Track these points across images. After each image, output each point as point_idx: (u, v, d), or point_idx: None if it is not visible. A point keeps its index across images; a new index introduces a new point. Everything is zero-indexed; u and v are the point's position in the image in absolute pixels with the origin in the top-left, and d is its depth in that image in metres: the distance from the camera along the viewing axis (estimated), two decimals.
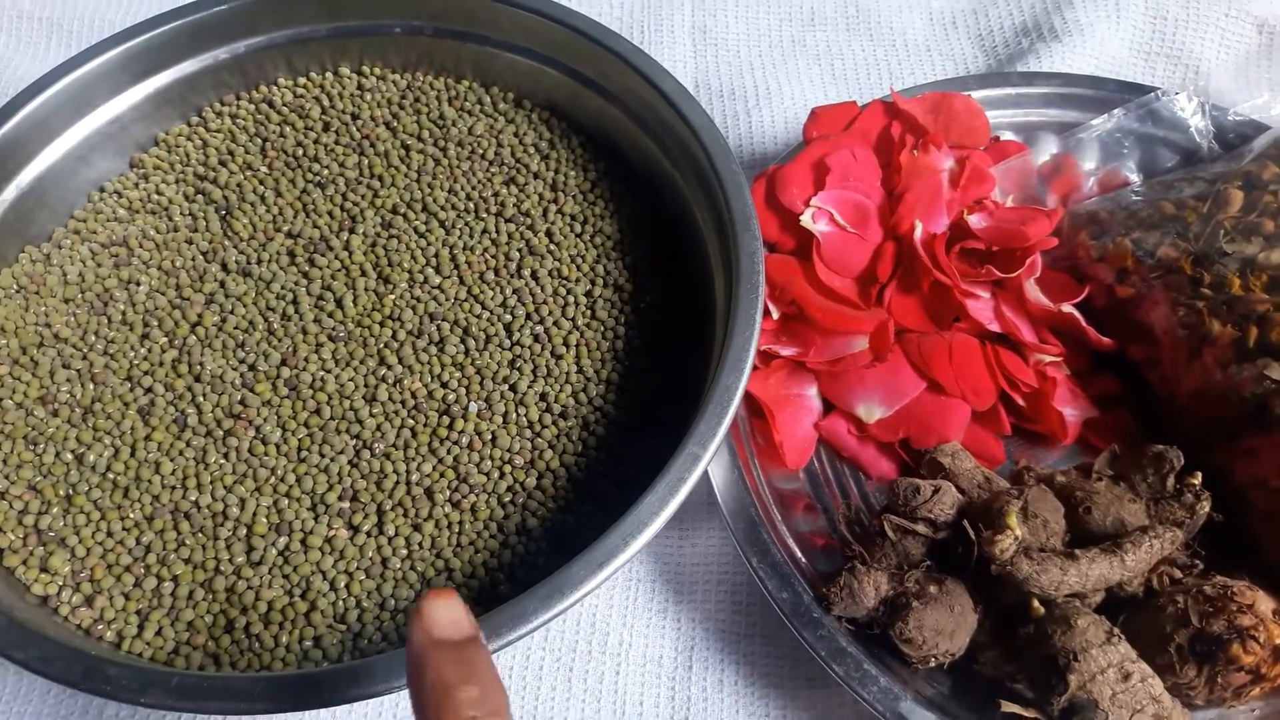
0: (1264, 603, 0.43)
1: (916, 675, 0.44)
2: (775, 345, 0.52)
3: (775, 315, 0.52)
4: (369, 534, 0.43)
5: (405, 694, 0.32)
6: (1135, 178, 0.58)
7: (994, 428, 0.51)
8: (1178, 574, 0.45)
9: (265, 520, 0.44)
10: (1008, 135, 0.61)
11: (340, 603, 0.42)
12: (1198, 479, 0.46)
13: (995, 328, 0.52)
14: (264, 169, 0.55)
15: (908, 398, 0.51)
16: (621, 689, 0.46)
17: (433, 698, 0.27)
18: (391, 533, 0.43)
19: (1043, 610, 0.43)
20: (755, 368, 0.51)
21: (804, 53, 0.68)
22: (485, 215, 0.52)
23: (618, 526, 0.38)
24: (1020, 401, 0.51)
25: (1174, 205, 0.53)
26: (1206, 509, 0.46)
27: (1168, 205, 0.53)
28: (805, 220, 0.53)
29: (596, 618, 0.48)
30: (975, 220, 0.54)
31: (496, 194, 0.53)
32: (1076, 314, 0.52)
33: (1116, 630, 0.42)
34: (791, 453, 0.50)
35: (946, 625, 0.43)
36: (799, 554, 0.46)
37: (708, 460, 0.40)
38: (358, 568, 0.43)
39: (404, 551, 0.43)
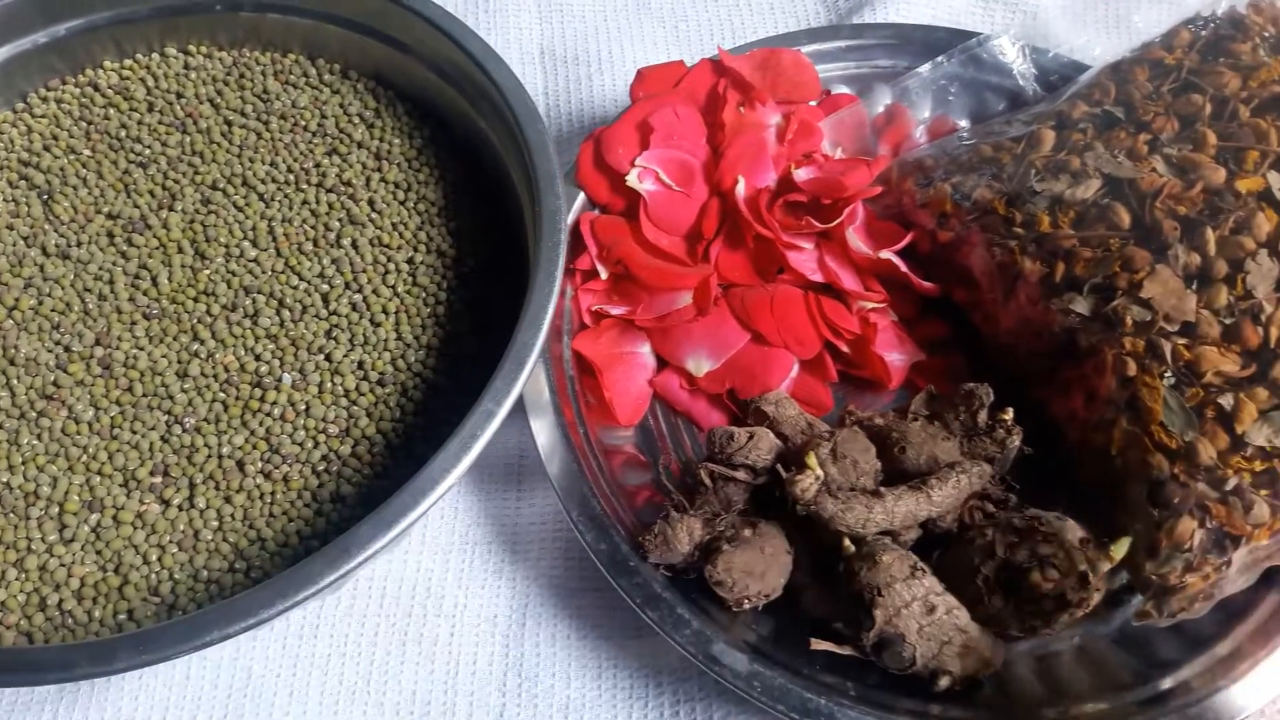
0: (1072, 532, 0.44)
1: (737, 620, 0.45)
2: (605, 305, 0.52)
3: (604, 275, 0.53)
4: (180, 507, 0.43)
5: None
6: (964, 124, 0.59)
7: (821, 375, 0.52)
8: (990, 508, 0.46)
9: (77, 498, 0.43)
10: (841, 88, 0.61)
11: (153, 575, 0.42)
12: (1009, 414, 0.47)
13: (819, 278, 0.53)
14: (87, 152, 0.54)
15: (733, 350, 0.51)
16: (455, 649, 0.47)
17: None
18: (203, 505, 0.43)
19: (854, 549, 0.44)
20: (585, 327, 0.51)
21: (649, 16, 0.68)
22: (306, 186, 0.52)
23: (409, 485, 0.38)
24: (845, 349, 0.52)
25: (992, 148, 0.54)
26: (1017, 443, 0.47)
27: (986, 148, 0.54)
28: (631, 180, 0.53)
29: (432, 582, 0.48)
30: (801, 174, 0.55)
31: (318, 165, 0.52)
32: (895, 260, 0.53)
33: (921, 564, 0.43)
34: (623, 409, 0.51)
35: (757, 566, 0.44)
36: (622, 507, 0.47)
37: (503, 416, 0.40)
38: (170, 541, 0.43)
39: (215, 523, 0.43)
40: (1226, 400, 0.43)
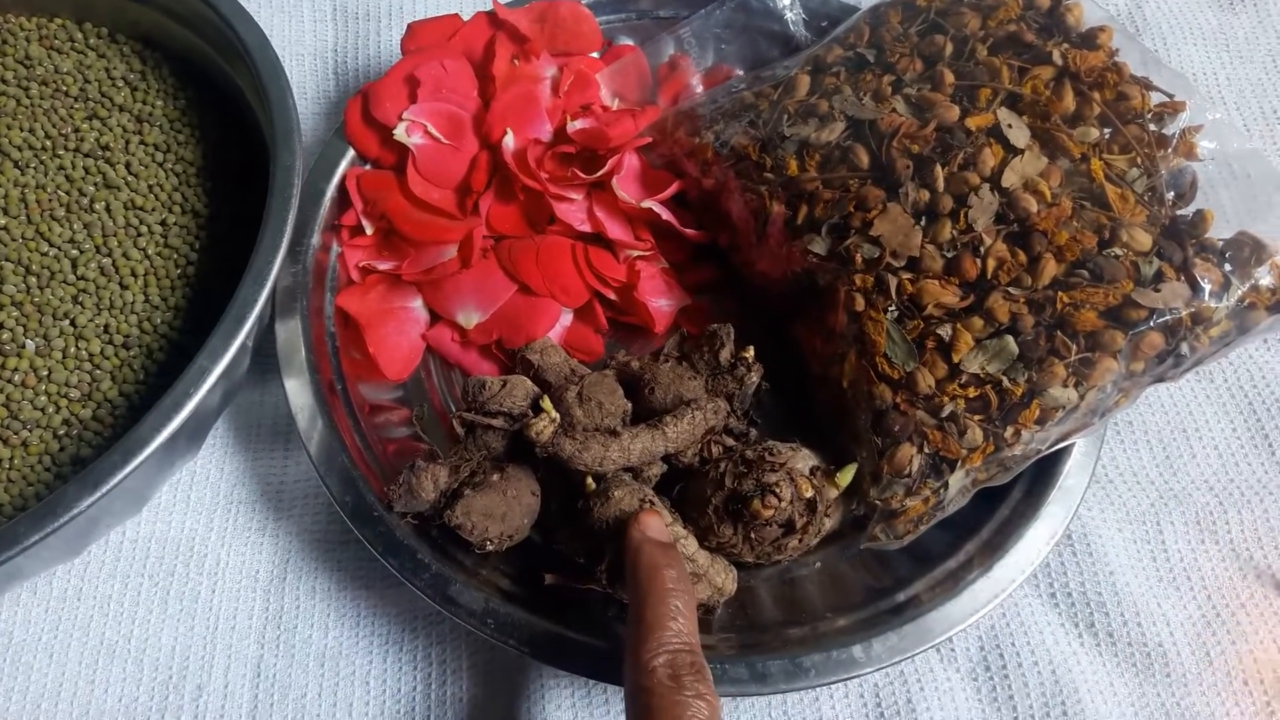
0: (802, 461, 0.46)
1: (486, 562, 0.46)
2: (373, 260, 0.53)
3: (369, 231, 0.53)
4: None
5: None
6: (739, 72, 0.60)
7: (592, 323, 0.53)
8: (730, 442, 0.48)
9: None
10: (625, 39, 0.62)
11: None
12: (750, 353, 0.49)
13: (587, 228, 0.54)
14: None
15: (500, 301, 0.52)
16: (216, 605, 0.48)
17: (646, 574, 0.38)
18: None
19: (595, 486, 0.45)
20: (352, 283, 0.52)
21: None
22: (63, 152, 0.51)
23: (118, 444, 0.39)
24: (613, 297, 0.53)
25: (753, 95, 0.55)
26: (756, 379, 0.49)
27: (748, 96, 0.55)
28: (398, 134, 0.54)
29: (195, 541, 0.49)
30: (576, 125, 0.55)
31: (77, 130, 0.52)
32: (657, 208, 0.53)
33: (653, 498, 0.44)
34: (390, 365, 0.52)
35: (497, 509, 0.45)
36: (377, 460, 0.48)
37: (218, 374, 0.41)
38: None
39: None
40: (945, 331, 0.45)
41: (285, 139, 0.46)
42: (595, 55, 0.60)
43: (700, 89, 0.60)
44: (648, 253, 0.54)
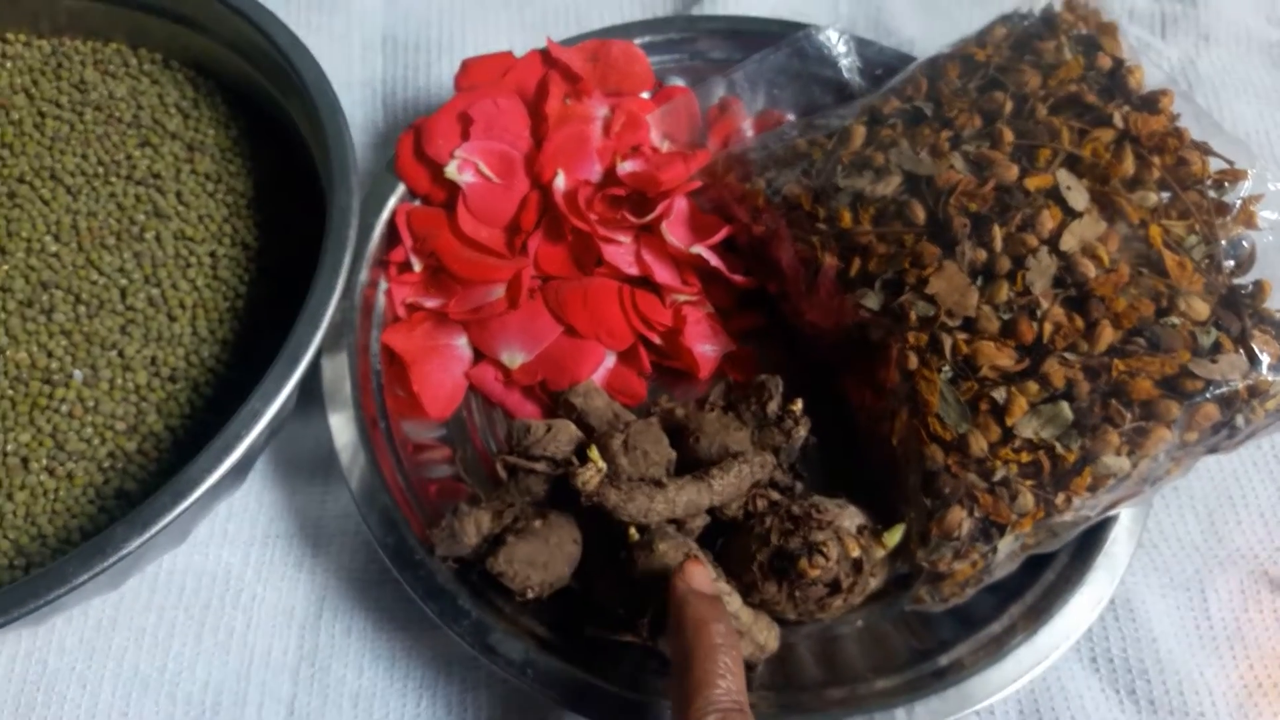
0: (849, 519, 0.46)
1: (526, 610, 0.46)
2: (420, 298, 0.53)
3: (417, 268, 0.53)
4: None
5: None
6: (791, 117, 0.60)
7: (635, 367, 0.53)
8: (775, 496, 0.47)
9: None
10: (676, 80, 0.61)
11: None
12: (798, 406, 0.48)
13: (634, 271, 0.54)
14: None
15: (546, 342, 0.52)
16: (251, 641, 0.47)
17: (693, 628, 0.37)
18: None
19: (638, 537, 0.45)
20: (399, 320, 0.52)
21: None
22: (115, 179, 0.51)
23: (168, 486, 0.38)
24: (658, 341, 0.53)
25: (807, 143, 0.54)
26: (803, 433, 0.48)
27: (801, 143, 0.55)
28: (450, 172, 0.54)
29: (232, 575, 0.49)
30: (626, 166, 0.55)
31: (129, 157, 0.52)
32: (705, 254, 0.53)
33: (695, 551, 0.44)
34: (434, 403, 0.51)
35: (539, 557, 0.44)
36: (419, 501, 0.47)
37: (271, 416, 0.40)
38: None
39: None
40: (1000, 394, 0.44)
41: (342, 179, 0.46)
42: (646, 95, 0.60)
43: (750, 133, 0.59)
44: (694, 297, 0.54)
